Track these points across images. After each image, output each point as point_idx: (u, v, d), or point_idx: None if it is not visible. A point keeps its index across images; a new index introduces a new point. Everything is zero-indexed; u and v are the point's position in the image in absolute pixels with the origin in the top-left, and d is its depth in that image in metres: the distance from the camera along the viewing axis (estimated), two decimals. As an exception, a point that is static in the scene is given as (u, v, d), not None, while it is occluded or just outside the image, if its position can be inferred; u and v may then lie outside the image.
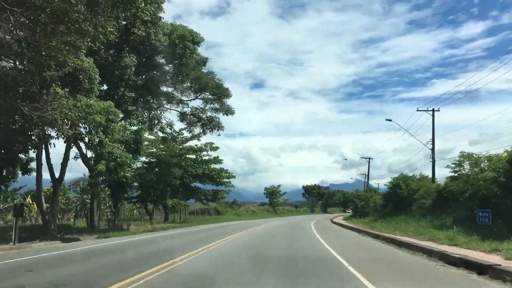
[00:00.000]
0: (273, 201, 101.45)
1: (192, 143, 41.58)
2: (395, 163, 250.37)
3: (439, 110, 34.85)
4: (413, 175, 37.79)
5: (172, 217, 43.21)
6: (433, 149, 34.63)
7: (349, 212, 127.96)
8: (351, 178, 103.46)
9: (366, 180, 77.33)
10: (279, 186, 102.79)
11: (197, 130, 26.27)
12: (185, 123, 26.08)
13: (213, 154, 41.75)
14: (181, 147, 39.66)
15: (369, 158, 64.21)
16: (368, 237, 22.78)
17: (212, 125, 25.62)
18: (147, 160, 35.00)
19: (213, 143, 41.06)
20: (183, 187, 39.92)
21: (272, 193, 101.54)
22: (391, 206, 39.54)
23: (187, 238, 19.92)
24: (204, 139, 41.47)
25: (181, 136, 41.81)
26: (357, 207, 57.74)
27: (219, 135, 26.51)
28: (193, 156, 40.35)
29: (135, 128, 19.56)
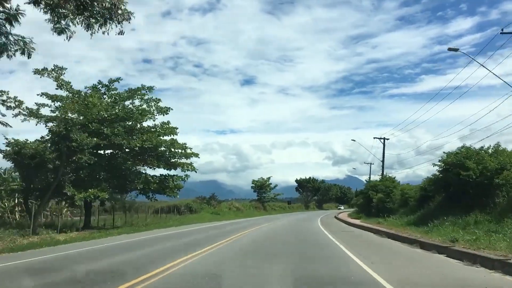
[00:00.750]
0: (262, 196, 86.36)
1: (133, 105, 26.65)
2: (386, 158, 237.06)
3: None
4: (482, 148, 23.33)
5: (99, 219, 28.21)
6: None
7: (341, 208, 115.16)
8: (354, 168, 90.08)
9: (374, 165, 61.81)
10: (268, 178, 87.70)
11: (74, 26, 11.27)
12: (43, 8, 11.09)
13: (161, 119, 26.87)
14: (109, 108, 24.61)
15: (384, 139, 49.65)
16: None
17: (103, 8, 10.57)
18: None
19: (160, 100, 26.08)
20: (111, 171, 24.86)
21: (261, 186, 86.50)
22: (442, 198, 25.34)
23: None
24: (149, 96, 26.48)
25: (113, 91, 26.84)
26: (371, 202, 43.09)
27: (121, 33, 11.20)
28: (130, 123, 25.28)
29: None
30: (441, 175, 24.26)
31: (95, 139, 22.40)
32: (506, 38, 20.44)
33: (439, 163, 24.34)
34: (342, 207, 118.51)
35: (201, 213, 54.27)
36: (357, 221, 36.01)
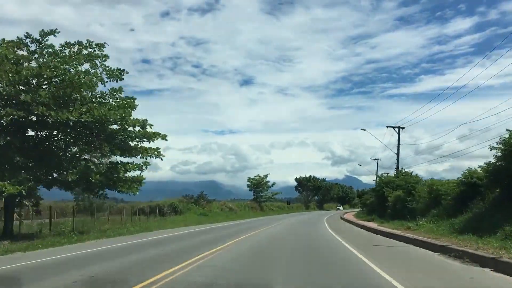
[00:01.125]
0: (259, 195, 79.25)
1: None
2: (385, 158, 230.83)
3: None
4: None
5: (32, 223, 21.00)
6: None
7: (340, 209, 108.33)
8: (360, 165, 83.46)
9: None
10: (266, 176, 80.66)
11: None
12: None
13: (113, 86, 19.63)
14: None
15: (399, 127, 42.61)
16: None
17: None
18: None
19: (107, 56, 18.88)
20: (42, 158, 17.67)
21: (258, 185, 79.45)
22: (497, 195, 18.50)
23: None
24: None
25: (48, 49, 19.59)
26: (385, 201, 36.09)
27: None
28: (66, 91, 18.02)
29: None
30: (501, 162, 17.30)
31: (7, 109, 15.46)
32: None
33: (498, 146, 17.36)
34: (341, 208, 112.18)
35: (187, 214, 47.31)
36: (373, 225, 28.92)
